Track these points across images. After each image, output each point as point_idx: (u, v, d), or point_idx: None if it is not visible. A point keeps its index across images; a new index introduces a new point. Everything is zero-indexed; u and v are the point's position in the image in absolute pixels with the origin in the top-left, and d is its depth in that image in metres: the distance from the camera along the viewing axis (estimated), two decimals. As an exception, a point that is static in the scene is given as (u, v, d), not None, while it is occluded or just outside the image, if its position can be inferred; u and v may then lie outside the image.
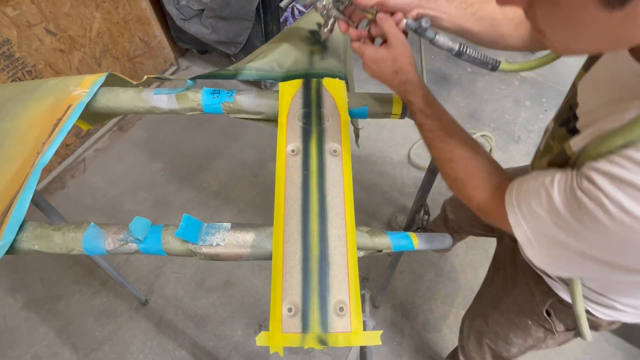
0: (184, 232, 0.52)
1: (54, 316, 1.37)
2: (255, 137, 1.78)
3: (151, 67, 1.86)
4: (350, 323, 0.46)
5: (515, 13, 0.56)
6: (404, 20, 0.54)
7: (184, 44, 1.88)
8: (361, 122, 1.80)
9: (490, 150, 1.81)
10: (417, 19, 0.55)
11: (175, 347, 1.33)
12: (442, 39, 0.54)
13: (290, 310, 0.47)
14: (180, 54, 2.03)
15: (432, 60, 2.16)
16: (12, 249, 0.53)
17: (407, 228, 1.06)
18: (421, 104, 0.54)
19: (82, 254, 0.54)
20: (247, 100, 0.67)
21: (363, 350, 1.00)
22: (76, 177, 1.67)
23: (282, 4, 1.54)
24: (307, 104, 0.64)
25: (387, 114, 0.68)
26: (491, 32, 0.57)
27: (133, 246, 0.53)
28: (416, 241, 0.59)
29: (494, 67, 0.55)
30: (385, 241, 0.57)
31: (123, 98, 0.68)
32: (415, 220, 0.98)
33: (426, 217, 0.96)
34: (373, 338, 0.46)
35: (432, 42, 0.54)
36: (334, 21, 0.58)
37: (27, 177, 0.54)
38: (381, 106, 0.67)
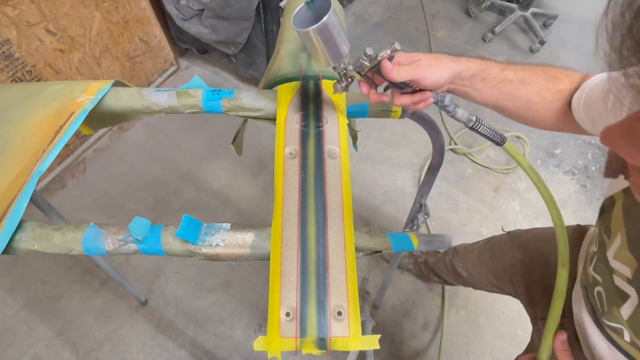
0: (183, 232, 0.52)
1: (54, 316, 1.37)
2: (254, 137, 1.78)
3: (151, 67, 1.86)
4: (348, 327, 0.46)
5: (553, 97, 0.55)
6: (433, 96, 0.54)
7: (184, 44, 1.88)
8: (361, 123, 1.80)
9: (524, 155, 1.80)
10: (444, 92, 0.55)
11: (175, 347, 1.33)
12: (460, 112, 0.55)
13: (288, 314, 0.47)
14: (180, 53, 2.03)
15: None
16: (11, 249, 0.53)
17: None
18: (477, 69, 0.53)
19: (82, 254, 0.54)
20: (247, 97, 0.67)
21: (362, 352, 1.00)
22: (76, 177, 1.67)
23: (282, 4, 1.54)
24: (305, 106, 0.64)
25: (387, 113, 0.68)
26: (524, 112, 0.56)
27: (133, 246, 0.53)
28: (416, 241, 0.59)
29: (499, 143, 0.58)
30: (385, 242, 0.57)
31: (123, 95, 0.68)
32: (415, 221, 0.98)
33: (426, 217, 0.96)
34: (371, 342, 0.46)
35: (450, 115, 0.55)
36: (352, 81, 0.55)
37: (24, 184, 0.54)
38: (381, 105, 0.67)
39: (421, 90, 0.53)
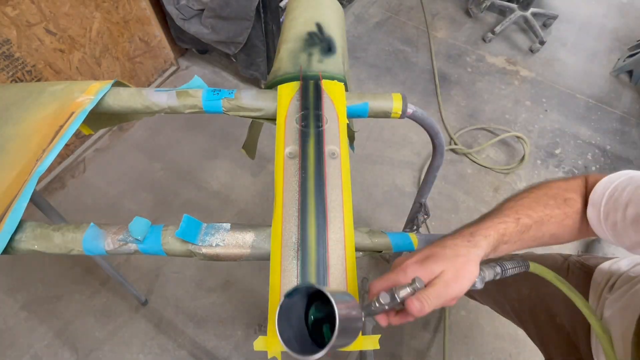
0: (183, 232, 0.52)
1: (54, 316, 1.37)
2: (255, 137, 1.78)
3: (151, 67, 1.86)
4: (348, 327, 0.46)
5: (575, 221, 0.52)
6: None
7: (184, 44, 1.88)
8: (361, 123, 1.80)
9: (523, 156, 1.80)
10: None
11: (175, 347, 1.33)
12: (487, 278, 0.49)
13: (288, 314, 0.47)
14: (180, 53, 2.03)
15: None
16: (11, 249, 0.53)
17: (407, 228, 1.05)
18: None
19: (82, 254, 0.54)
20: (247, 97, 0.67)
21: (363, 352, 1.00)
22: (76, 177, 1.67)
23: (282, 4, 1.54)
24: (305, 106, 0.64)
25: (387, 114, 0.68)
26: (551, 242, 0.54)
27: (133, 246, 0.53)
28: (416, 241, 0.59)
29: (526, 269, 0.54)
30: (385, 241, 0.57)
31: (123, 95, 0.68)
32: (415, 221, 0.98)
33: (426, 217, 0.96)
34: (371, 342, 0.46)
35: (484, 286, 0.50)
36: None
37: (24, 184, 0.54)
38: (381, 105, 0.67)
39: None
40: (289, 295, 0.38)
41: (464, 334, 1.39)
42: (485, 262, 0.49)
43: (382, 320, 0.45)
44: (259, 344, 0.45)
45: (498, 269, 0.50)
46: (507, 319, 0.93)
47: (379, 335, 0.46)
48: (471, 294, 1.05)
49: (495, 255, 0.49)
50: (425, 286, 0.42)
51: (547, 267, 0.78)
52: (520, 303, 0.83)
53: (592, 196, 0.52)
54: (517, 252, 0.56)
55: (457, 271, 0.43)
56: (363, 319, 0.41)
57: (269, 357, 0.44)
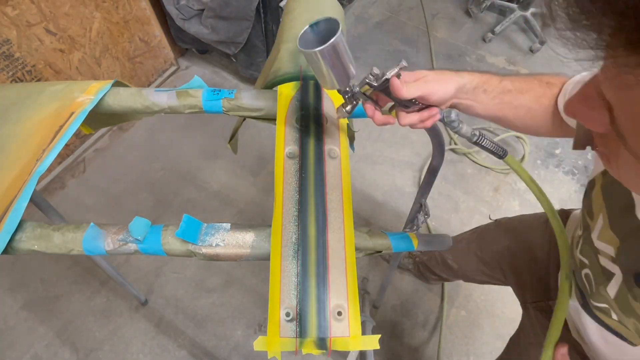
0: (183, 232, 0.52)
1: (54, 316, 1.37)
2: (255, 137, 1.78)
3: (151, 67, 1.86)
4: (348, 327, 0.46)
5: (550, 102, 0.56)
6: (439, 112, 0.53)
7: (184, 44, 1.88)
8: (361, 123, 1.80)
9: (523, 156, 1.80)
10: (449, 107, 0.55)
11: (175, 347, 1.33)
12: (465, 128, 0.55)
13: (287, 314, 0.47)
14: (180, 53, 2.03)
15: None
16: (11, 249, 0.53)
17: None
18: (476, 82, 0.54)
19: (82, 254, 0.54)
20: (247, 97, 0.67)
21: (363, 352, 1.00)
22: (76, 177, 1.67)
23: (282, 4, 1.54)
24: (305, 106, 0.64)
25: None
26: (526, 121, 0.57)
27: (132, 246, 0.53)
28: (416, 241, 0.59)
29: (501, 156, 0.59)
30: (385, 242, 0.57)
31: (123, 95, 0.68)
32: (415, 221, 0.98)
33: (426, 217, 0.96)
34: (371, 342, 0.46)
35: (455, 130, 0.55)
36: (356, 104, 0.53)
37: (24, 184, 0.54)
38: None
39: (427, 107, 0.52)
40: (311, 26, 0.48)
41: (464, 334, 1.39)
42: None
43: (369, 109, 0.52)
44: (259, 344, 0.45)
45: (477, 132, 0.56)
46: (494, 285, 1.00)
47: (378, 335, 0.47)
48: (455, 270, 1.11)
49: (473, 101, 0.54)
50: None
51: (529, 220, 0.87)
52: (500, 254, 0.91)
53: (566, 85, 0.55)
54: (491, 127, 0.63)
55: (438, 78, 0.51)
56: (358, 90, 0.50)
57: (269, 357, 0.44)
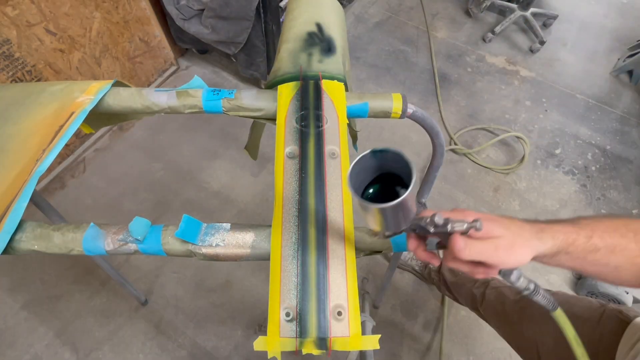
0: (183, 232, 0.52)
1: (54, 316, 1.37)
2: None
3: (151, 67, 1.86)
4: (348, 327, 0.46)
5: None
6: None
7: (184, 44, 1.88)
8: (361, 123, 1.80)
9: (523, 156, 1.80)
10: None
11: (175, 347, 1.33)
12: (521, 281, 0.47)
13: (288, 314, 0.47)
14: (180, 53, 2.03)
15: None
16: (11, 249, 0.53)
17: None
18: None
19: (82, 254, 0.54)
20: (247, 97, 0.67)
21: (363, 352, 0.99)
22: (76, 177, 1.67)
23: (282, 4, 1.54)
24: (305, 106, 0.64)
25: (387, 114, 0.68)
26: (609, 277, 0.50)
27: (132, 246, 0.53)
28: (416, 242, 0.58)
29: (550, 310, 0.50)
30: (385, 241, 0.57)
31: (123, 95, 0.68)
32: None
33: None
34: (371, 342, 0.46)
35: (512, 284, 0.47)
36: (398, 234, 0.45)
37: (24, 184, 0.54)
38: (381, 105, 0.67)
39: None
40: (374, 152, 0.39)
41: (464, 334, 1.39)
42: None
43: (412, 243, 0.44)
44: (259, 344, 0.45)
45: (532, 285, 0.47)
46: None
47: (378, 335, 0.47)
48: (487, 314, 1.02)
49: (551, 262, 0.47)
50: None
51: (580, 311, 0.74)
52: (542, 339, 0.79)
53: None
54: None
55: (512, 245, 0.41)
56: (411, 220, 0.40)
57: (269, 357, 0.44)
